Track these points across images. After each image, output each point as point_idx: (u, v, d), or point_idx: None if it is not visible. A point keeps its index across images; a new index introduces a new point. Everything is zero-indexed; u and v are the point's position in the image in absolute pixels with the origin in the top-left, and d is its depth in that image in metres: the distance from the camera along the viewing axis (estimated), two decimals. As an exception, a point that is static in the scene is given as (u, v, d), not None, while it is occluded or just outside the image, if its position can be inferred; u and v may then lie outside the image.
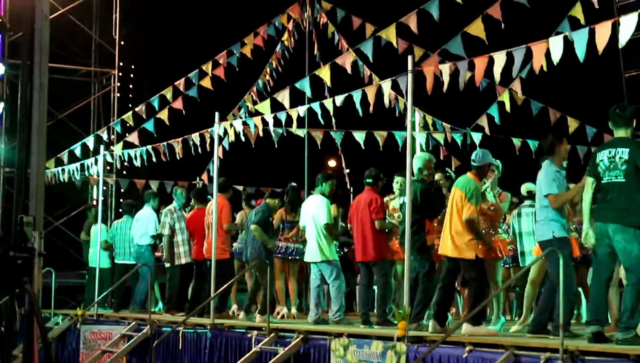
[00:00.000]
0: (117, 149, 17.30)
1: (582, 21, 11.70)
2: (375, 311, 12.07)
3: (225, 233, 13.84)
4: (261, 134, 13.74)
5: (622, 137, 8.57)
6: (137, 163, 16.23)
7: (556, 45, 8.88)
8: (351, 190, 19.25)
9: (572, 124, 14.36)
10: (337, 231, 13.28)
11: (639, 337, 8.27)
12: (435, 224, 11.21)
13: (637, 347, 7.87)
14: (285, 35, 17.88)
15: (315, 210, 12.27)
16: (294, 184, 14.26)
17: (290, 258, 13.69)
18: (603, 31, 8.48)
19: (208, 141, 14.01)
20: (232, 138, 14.07)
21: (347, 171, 20.52)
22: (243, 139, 13.83)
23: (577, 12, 11.95)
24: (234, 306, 14.50)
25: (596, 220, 8.63)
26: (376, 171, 11.86)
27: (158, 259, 15.87)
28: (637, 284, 8.29)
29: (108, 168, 20.22)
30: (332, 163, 25.65)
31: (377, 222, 11.53)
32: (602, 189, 8.56)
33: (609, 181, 8.49)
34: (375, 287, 12.17)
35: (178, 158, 15.20)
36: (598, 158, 8.60)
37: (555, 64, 8.89)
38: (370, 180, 11.81)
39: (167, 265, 15.10)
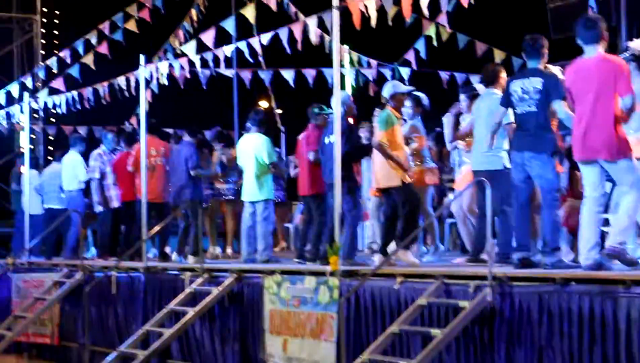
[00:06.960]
0: (43, 95, 16.94)
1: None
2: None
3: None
4: (188, 75, 13.55)
5: (534, 68, 8.66)
6: (63, 110, 15.91)
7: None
8: (282, 130, 19.17)
9: (499, 55, 14.48)
10: (281, 169, 13.16)
11: (563, 261, 8.43)
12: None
13: (563, 270, 8.03)
14: (211, -26, 17.65)
15: (257, 149, 12.14)
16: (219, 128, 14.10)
17: (226, 198, 13.67)
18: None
19: (133, 84, 13.78)
20: (162, 80, 13.85)
21: (279, 111, 20.44)
22: (166, 83, 13.60)
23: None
24: (167, 249, 14.46)
25: (514, 149, 8.77)
26: (318, 106, 11.65)
27: (88, 204, 15.68)
28: (554, 204, 8.48)
29: (35, 115, 19.84)
30: (263, 104, 25.49)
31: (310, 154, 11.39)
32: (517, 119, 8.71)
33: (523, 111, 8.60)
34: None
35: (104, 102, 14.94)
36: (511, 88, 8.71)
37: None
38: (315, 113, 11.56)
39: (99, 209, 14.93)
